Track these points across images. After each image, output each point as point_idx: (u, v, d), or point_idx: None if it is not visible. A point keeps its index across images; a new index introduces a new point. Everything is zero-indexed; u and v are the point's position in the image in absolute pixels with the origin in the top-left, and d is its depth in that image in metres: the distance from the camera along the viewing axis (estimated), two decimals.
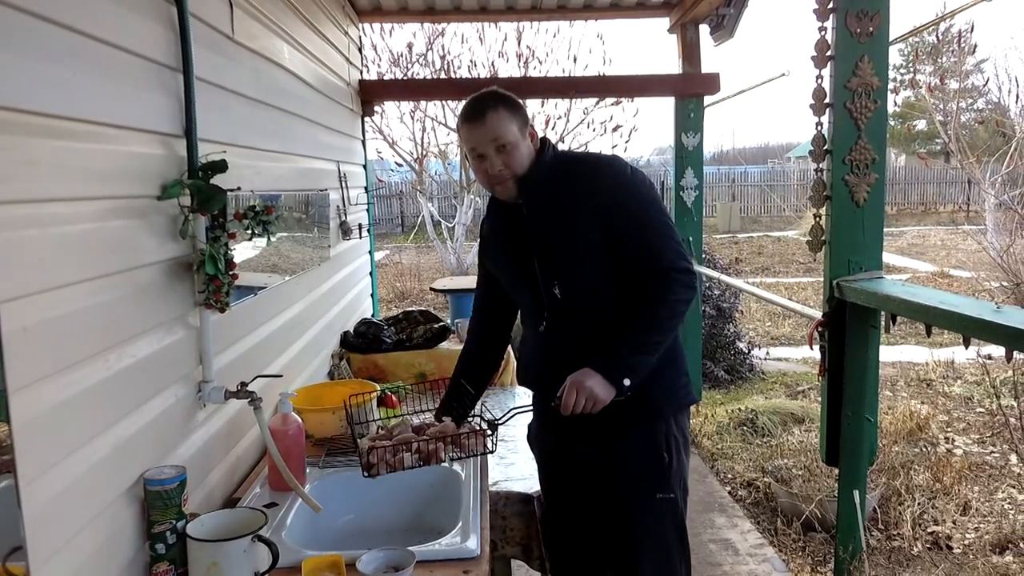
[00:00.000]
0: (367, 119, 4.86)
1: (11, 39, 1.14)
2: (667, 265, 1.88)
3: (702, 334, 5.39)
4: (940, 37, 11.26)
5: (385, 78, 10.07)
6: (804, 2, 2.66)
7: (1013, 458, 4.40)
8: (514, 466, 2.48)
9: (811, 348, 2.85)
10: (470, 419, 2.04)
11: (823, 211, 2.67)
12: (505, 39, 13.07)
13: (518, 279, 2.05)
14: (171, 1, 1.73)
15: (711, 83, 4.75)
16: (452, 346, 3.55)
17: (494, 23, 10.12)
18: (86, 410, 1.33)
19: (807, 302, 8.10)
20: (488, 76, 9.40)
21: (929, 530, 3.63)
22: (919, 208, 21.84)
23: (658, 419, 1.97)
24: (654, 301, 1.88)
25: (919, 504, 3.77)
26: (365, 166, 4.66)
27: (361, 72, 4.74)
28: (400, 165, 11.78)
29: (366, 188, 4.61)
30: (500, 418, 1.92)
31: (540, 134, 2.02)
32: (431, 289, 5.05)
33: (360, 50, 4.79)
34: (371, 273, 4.80)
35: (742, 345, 6.51)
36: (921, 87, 9.40)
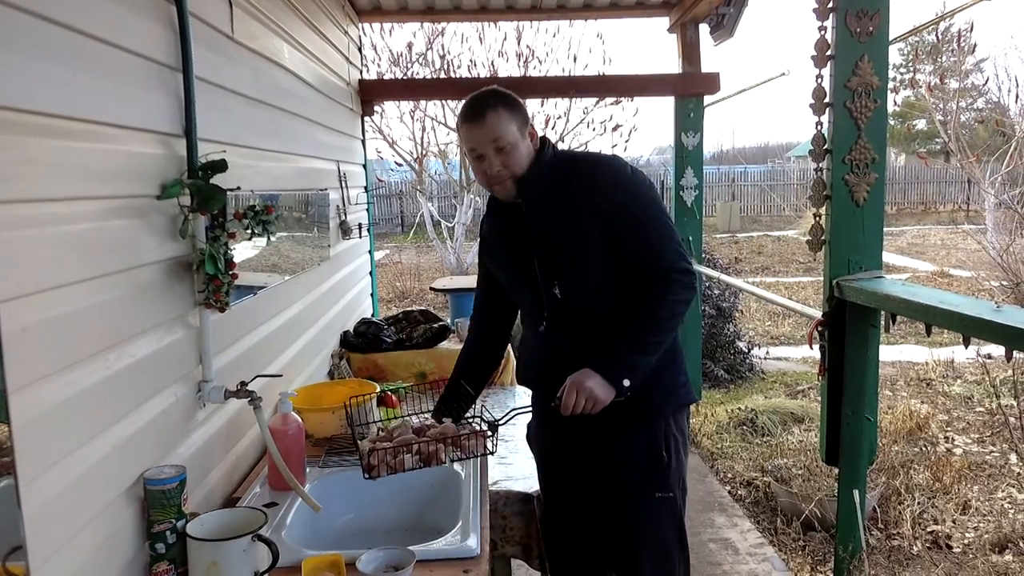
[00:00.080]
0: (367, 119, 4.85)
1: (11, 39, 1.14)
2: (667, 265, 1.88)
3: (702, 334, 5.39)
4: (940, 36, 11.26)
5: (385, 78, 10.06)
6: (804, 2, 2.66)
7: (1013, 457, 4.40)
8: (514, 466, 2.49)
9: (811, 347, 2.85)
10: (471, 420, 2.04)
11: (823, 211, 2.67)
12: (505, 39, 13.07)
13: (518, 279, 2.05)
14: (171, 1, 1.72)
15: (711, 83, 4.75)
16: (452, 346, 3.55)
17: (494, 23, 10.13)
18: (86, 410, 1.33)
19: (807, 302, 8.10)
20: (488, 76, 9.39)
21: (929, 529, 3.63)
22: (919, 208, 21.85)
23: (657, 418, 1.97)
24: (654, 301, 1.88)
25: (919, 503, 3.77)
26: (365, 166, 4.66)
27: (361, 72, 4.74)
28: (400, 165, 11.79)
29: (366, 188, 4.61)
30: (500, 419, 1.92)
31: (540, 133, 2.02)
32: (431, 289, 5.05)
33: (360, 50, 4.78)
34: (371, 273, 4.80)
35: (742, 345, 6.52)
36: (921, 86, 9.40)
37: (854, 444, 2.66)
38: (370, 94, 4.68)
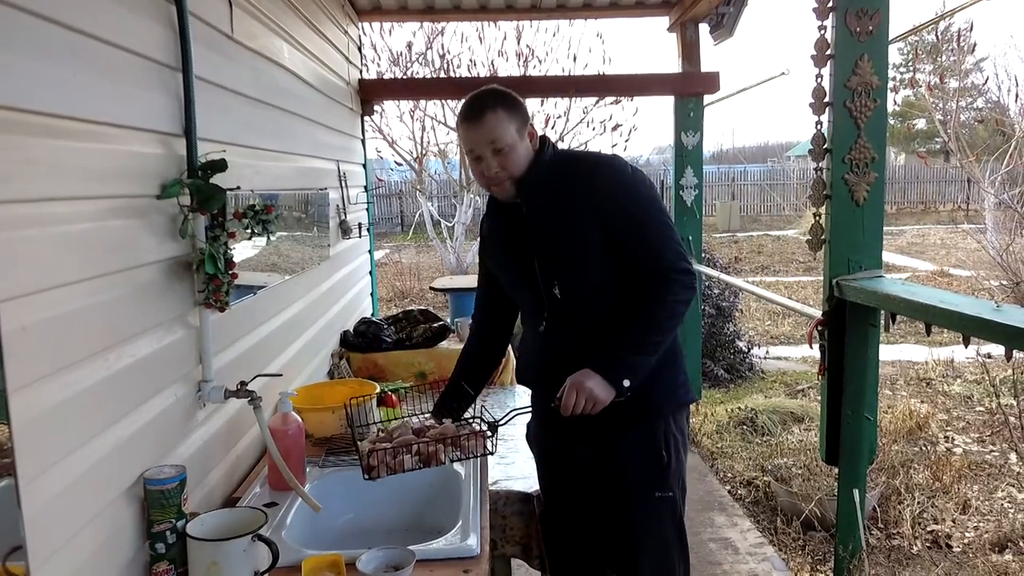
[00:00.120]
0: (367, 118, 4.85)
1: (11, 39, 1.14)
2: (667, 265, 1.88)
3: (702, 333, 5.39)
4: (940, 36, 11.26)
5: (385, 77, 10.06)
6: (804, 1, 2.66)
7: (1013, 457, 4.40)
8: (514, 465, 2.48)
9: (811, 347, 2.85)
10: (470, 420, 2.04)
11: (823, 210, 2.67)
12: (505, 38, 13.08)
13: (518, 279, 2.05)
14: (171, 1, 1.72)
15: (711, 82, 4.75)
16: (452, 345, 3.55)
17: (494, 22, 10.13)
18: (86, 410, 1.33)
19: (807, 301, 8.10)
20: (488, 75, 9.39)
21: (929, 529, 3.63)
22: (919, 207, 21.85)
23: (657, 418, 1.97)
24: (653, 302, 1.87)
25: (919, 503, 3.77)
26: (365, 165, 4.66)
27: (361, 71, 4.74)
28: (400, 164, 11.78)
29: (366, 187, 4.61)
30: (500, 420, 1.92)
31: (540, 133, 2.02)
32: (431, 288, 5.05)
33: (360, 49, 4.78)
34: (371, 272, 4.80)
35: (742, 344, 6.52)
36: (921, 86, 9.40)
37: (854, 443, 2.67)
38: (370, 94, 4.68)
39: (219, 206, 1.72)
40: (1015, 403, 4.61)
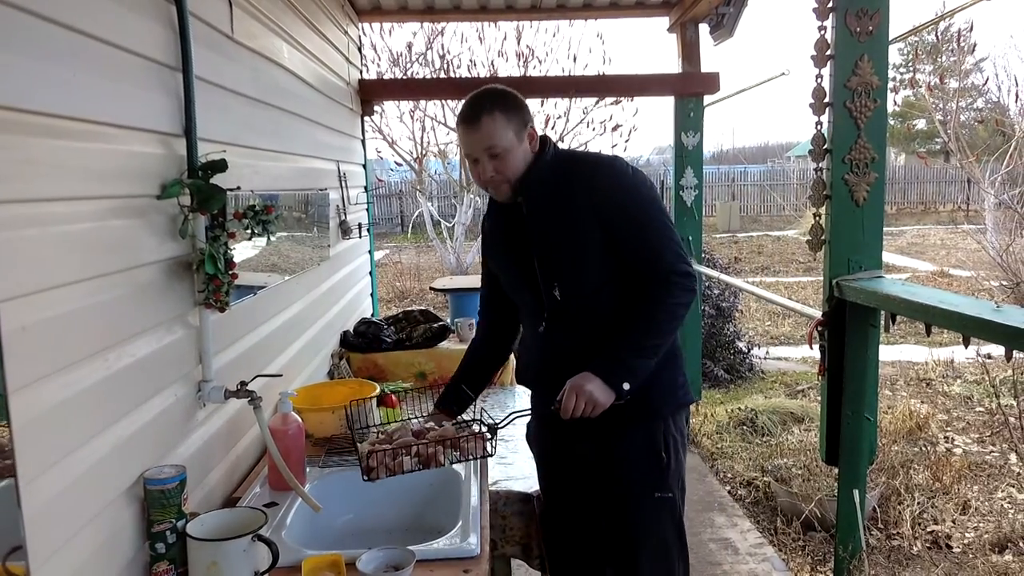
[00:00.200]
0: (367, 118, 4.85)
1: (11, 39, 1.14)
2: (667, 268, 1.87)
3: (702, 333, 5.39)
4: (940, 36, 11.26)
5: (385, 77, 10.06)
6: (804, 1, 2.66)
7: (1013, 457, 4.40)
8: (514, 466, 2.49)
9: (811, 347, 2.85)
10: (470, 422, 2.04)
11: (823, 210, 2.67)
12: (505, 38, 13.12)
13: (518, 279, 2.05)
14: (171, 1, 1.72)
15: (711, 82, 4.75)
16: (452, 345, 3.55)
17: (494, 22, 10.13)
18: (86, 410, 1.33)
19: (807, 301, 8.10)
20: (488, 75, 9.39)
21: (929, 529, 3.63)
22: (919, 207, 21.85)
23: (656, 419, 1.97)
24: (653, 304, 1.87)
25: (919, 503, 3.77)
26: (365, 165, 4.66)
27: (361, 71, 4.74)
28: (400, 164, 11.79)
29: (365, 187, 4.61)
30: (500, 422, 1.92)
31: (540, 133, 2.01)
32: (431, 289, 5.05)
33: (360, 49, 4.78)
34: (371, 272, 4.80)
35: (742, 344, 6.52)
36: (921, 86, 9.39)
37: (854, 444, 2.66)
38: (370, 94, 4.68)
39: (219, 206, 1.72)
40: (1015, 403, 4.61)
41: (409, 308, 3.94)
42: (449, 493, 2.03)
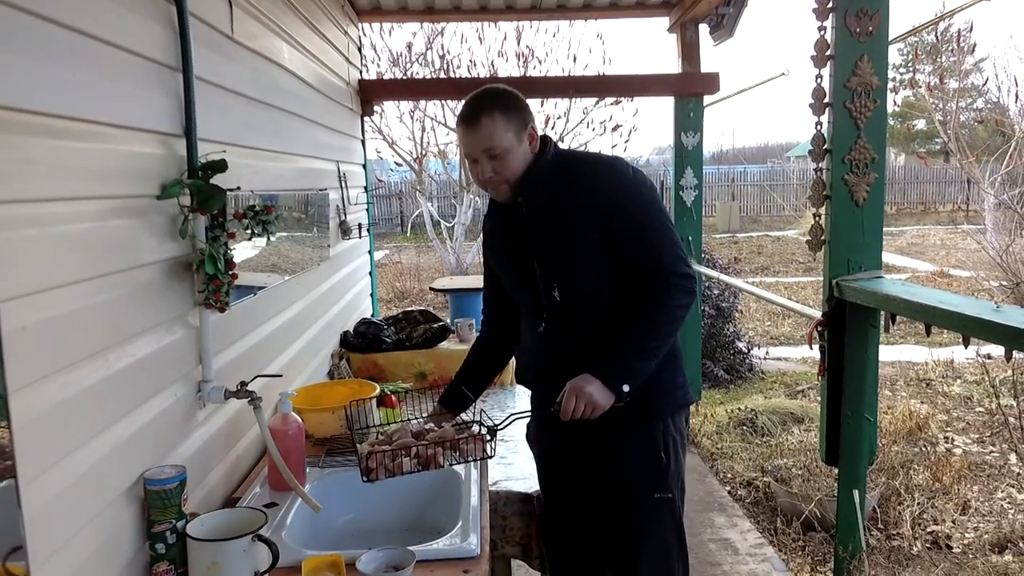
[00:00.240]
0: (366, 119, 4.85)
1: (11, 39, 1.14)
2: (667, 270, 1.87)
3: (701, 334, 5.39)
4: (939, 36, 11.26)
5: (384, 78, 10.06)
6: (804, 2, 2.66)
7: (1012, 458, 4.40)
8: (514, 466, 2.49)
9: (810, 348, 2.85)
10: (469, 423, 2.04)
11: (823, 210, 2.67)
12: (505, 39, 13.11)
13: (517, 279, 2.05)
14: (171, 1, 1.72)
15: (711, 82, 4.75)
16: (452, 346, 3.55)
17: (494, 23, 10.13)
18: (86, 410, 1.33)
19: (806, 302, 8.10)
20: (488, 76, 9.40)
21: (929, 529, 3.63)
22: (918, 207, 21.86)
23: (656, 419, 1.96)
24: (654, 306, 1.87)
25: (919, 504, 3.77)
26: (364, 166, 4.66)
27: (360, 72, 4.74)
28: (399, 165, 11.78)
29: (365, 188, 4.61)
30: (499, 424, 1.92)
31: (540, 132, 2.01)
32: (431, 289, 5.05)
33: (360, 50, 4.78)
34: (371, 273, 4.80)
35: (741, 345, 6.52)
36: (920, 86, 9.40)
37: (854, 444, 2.67)
38: (370, 94, 4.68)
39: (219, 206, 1.72)
40: (1015, 404, 4.61)
41: (409, 308, 3.94)
42: (449, 493, 2.03)
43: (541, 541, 2.27)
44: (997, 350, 4.28)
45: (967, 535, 3.59)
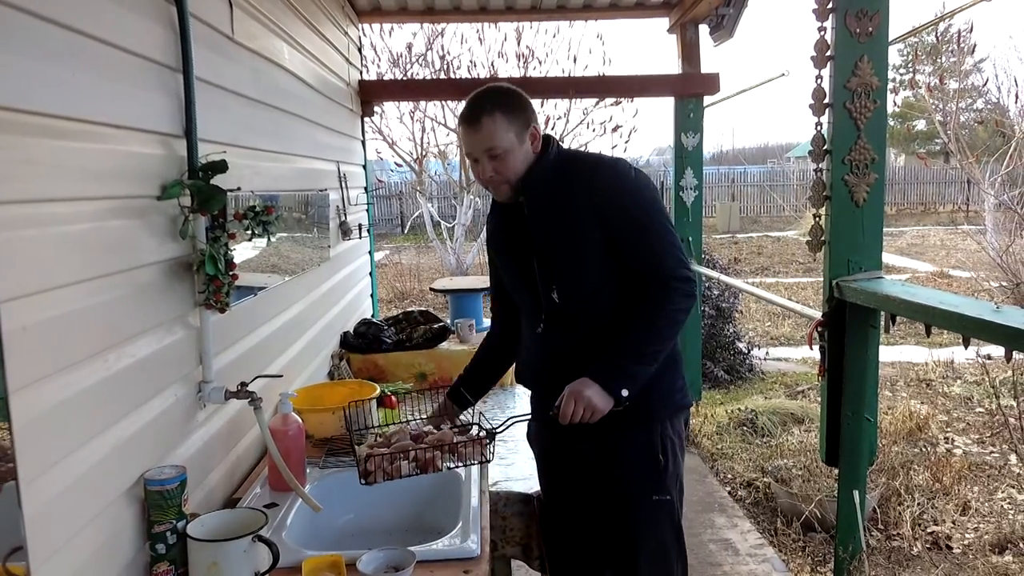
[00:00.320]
0: (367, 119, 4.86)
1: (11, 39, 1.14)
2: (668, 273, 1.86)
3: (701, 334, 5.39)
4: (939, 37, 11.27)
5: (385, 78, 10.07)
6: (804, 2, 2.67)
7: (1013, 458, 4.40)
8: (514, 466, 2.49)
9: (811, 348, 2.85)
10: (468, 425, 2.04)
11: (823, 211, 2.67)
12: (505, 39, 13.16)
13: (518, 279, 2.05)
14: (171, 1, 1.73)
15: (711, 83, 4.75)
16: (452, 346, 3.55)
17: (494, 23, 10.13)
18: (86, 410, 1.33)
19: (807, 302, 8.10)
20: (488, 76, 9.40)
21: (929, 530, 3.63)
22: (918, 208, 21.85)
23: (654, 421, 1.96)
24: (654, 310, 1.86)
25: (919, 504, 3.77)
26: (365, 166, 4.67)
27: (361, 72, 4.74)
28: (400, 165, 11.79)
29: (366, 188, 4.62)
30: (498, 427, 1.92)
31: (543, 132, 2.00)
32: (431, 289, 5.04)
33: (360, 50, 4.79)
34: (371, 273, 4.80)
35: (742, 345, 6.51)
36: (920, 87, 9.41)
37: (854, 445, 2.67)
38: (370, 95, 4.68)
39: (219, 207, 1.72)
40: (1015, 404, 4.61)
41: (409, 309, 3.94)
42: (449, 494, 2.03)
43: (541, 541, 2.27)
44: (997, 351, 4.28)
45: (967, 536, 3.58)
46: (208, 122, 1.85)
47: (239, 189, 1.90)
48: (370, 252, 4.77)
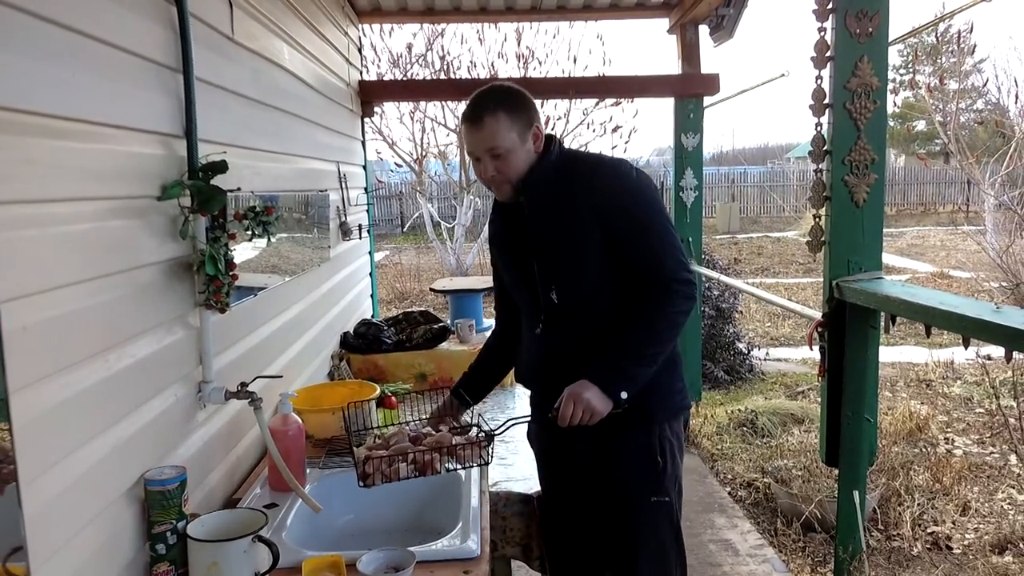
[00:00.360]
0: (367, 120, 4.86)
1: (10, 39, 1.14)
2: (669, 275, 1.86)
3: (701, 335, 5.39)
4: (939, 38, 11.28)
5: (385, 79, 10.07)
6: (804, 2, 2.66)
7: (1013, 458, 4.40)
8: (514, 467, 2.49)
9: (811, 348, 2.85)
10: (467, 426, 2.04)
11: (823, 211, 2.67)
12: (505, 40, 13.19)
13: (518, 279, 2.05)
14: (171, 1, 1.73)
15: (711, 83, 4.75)
16: (452, 347, 3.55)
17: (494, 24, 10.14)
18: (86, 410, 1.33)
19: (807, 303, 8.10)
20: (488, 76, 9.41)
21: (929, 530, 3.63)
22: (918, 209, 21.85)
23: (652, 424, 1.96)
24: (654, 312, 1.86)
25: (919, 504, 3.77)
26: (365, 167, 4.67)
27: (361, 73, 4.75)
28: (400, 166, 11.79)
29: (366, 189, 4.62)
30: (496, 430, 1.91)
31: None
32: (431, 290, 5.05)
33: (360, 51, 4.79)
34: (371, 274, 4.80)
35: (742, 346, 6.51)
36: (920, 87, 9.42)
37: (854, 445, 2.66)
38: (370, 95, 4.68)
39: (219, 207, 1.72)
40: (1015, 405, 4.61)
41: (409, 309, 3.94)
42: (449, 494, 2.03)
43: (541, 542, 2.26)
44: (997, 351, 4.28)
45: (967, 536, 3.58)
46: (208, 122, 1.85)
47: (239, 189, 1.90)
48: (370, 252, 4.77)
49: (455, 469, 1.87)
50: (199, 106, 1.79)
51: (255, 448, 2.26)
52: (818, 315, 2.79)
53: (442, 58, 10.72)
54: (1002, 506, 3.88)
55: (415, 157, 11.56)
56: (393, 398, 2.69)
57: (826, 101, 2.60)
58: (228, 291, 1.78)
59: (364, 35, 5.65)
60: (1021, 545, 3.43)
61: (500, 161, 1.88)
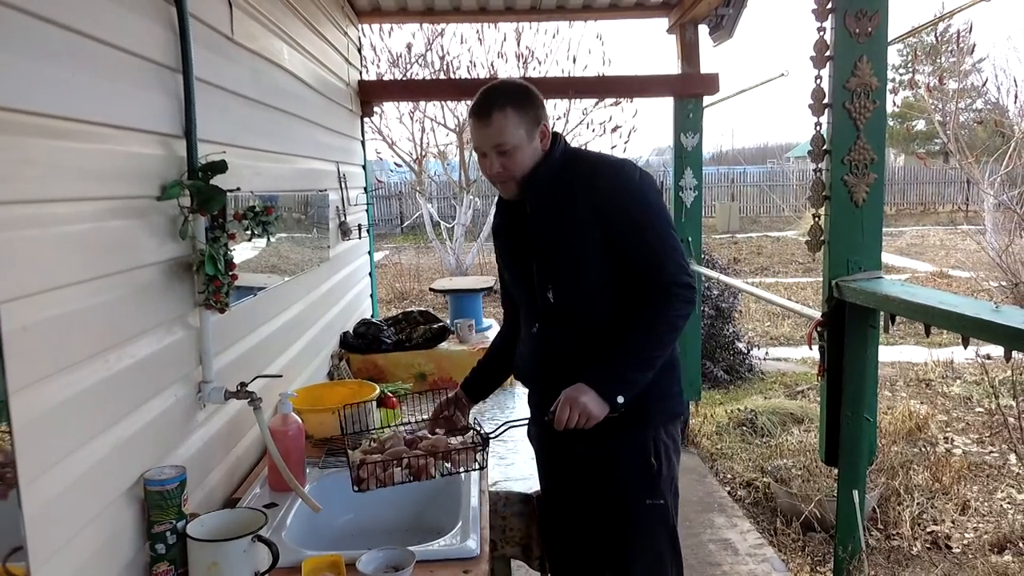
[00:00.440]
0: (366, 120, 4.86)
1: (10, 39, 1.14)
2: (669, 278, 1.85)
3: (701, 334, 5.39)
4: (939, 37, 11.27)
5: (384, 79, 10.07)
6: (803, 2, 2.66)
7: (1012, 458, 4.40)
8: (514, 466, 2.49)
9: (810, 348, 2.85)
10: (467, 424, 2.04)
11: (822, 211, 2.67)
12: (504, 39, 13.19)
13: (517, 278, 2.05)
14: (171, 1, 1.73)
15: (710, 83, 4.75)
16: (452, 347, 3.55)
17: (493, 24, 10.14)
18: (86, 410, 1.33)
19: (806, 302, 8.10)
20: (488, 76, 9.40)
21: (928, 530, 3.63)
22: (918, 208, 21.86)
23: (648, 427, 1.95)
24: (653, 316, 1.85)
25: (918, 504, 3.77)
26: (364, 167, 4.67)
27: (360, 72, 4.74)
28: (399, 166, 11.80)
29: (365, 189, 4.62)
30: (492, 433, 1.91)
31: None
32: (430, 290, 5.05)
33: (359, 50, 4.79)
34: (370, 273, 4.80)
35: (741, 345, 6.52)
36: (920, 87, 9.42)
37: (853, 444, 2.67)
38: (369, 95, 4.68)
39: (219, 207, 1.72)
40: (1014, 404, 4.61)
41: (409, 309, 3.95)
42: (449, 494, 2.03)
43: (541, 541, 2.27)
44: (996, 350, 4.28)
45: (967, 535, 3.59)
46: (208, 122, 1.85)
47: (239, 189, 1.90)
48: (370, 252, 4.77)
49: (449, 473, 1.86)
50: (199, 106, 1.79)
51: (255, 448, 2.26)
52: (817, 314, 2.79)
53: (442, 58, 10.72)
54: (1001, 505, 3.88)
55: (415, 157, 11.57)
56: (394, 398, 2.69)
57: (825, 101, 2.60)
58: (228, 291, 1.79)
59: (364, 35, 5.65)
60: (1020, 544, 3.43)
61: (506, 158, 1.87)
